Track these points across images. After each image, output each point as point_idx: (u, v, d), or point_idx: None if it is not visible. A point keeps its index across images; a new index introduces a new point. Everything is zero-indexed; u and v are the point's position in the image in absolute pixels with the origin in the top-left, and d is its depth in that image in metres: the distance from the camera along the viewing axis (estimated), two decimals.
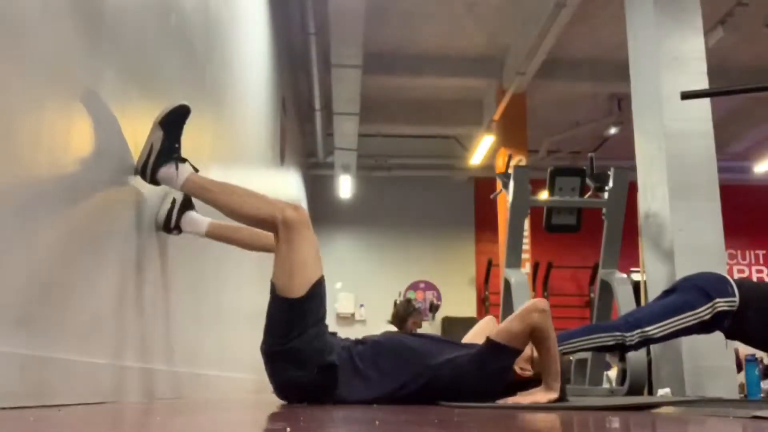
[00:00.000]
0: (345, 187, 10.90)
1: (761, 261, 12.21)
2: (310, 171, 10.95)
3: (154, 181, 1.97)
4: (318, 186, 11.44)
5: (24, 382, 1.28)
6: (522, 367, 2.27)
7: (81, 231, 1.58)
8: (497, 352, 2.18)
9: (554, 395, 2.15)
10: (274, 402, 2.18)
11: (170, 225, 2.20)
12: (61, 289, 1.46)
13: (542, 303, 2.18)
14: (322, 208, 11.52)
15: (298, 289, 2.05)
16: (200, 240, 2.42)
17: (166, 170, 1.96)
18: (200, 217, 2.27)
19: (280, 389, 2.17)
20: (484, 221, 11.20)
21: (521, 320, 2.15)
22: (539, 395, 2.17)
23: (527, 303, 2.21)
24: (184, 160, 2.01)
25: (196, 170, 2.06)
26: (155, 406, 1.74)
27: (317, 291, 2.09)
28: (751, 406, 2.66)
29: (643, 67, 4.89)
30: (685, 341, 4.21)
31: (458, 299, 11.70)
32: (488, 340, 2.21)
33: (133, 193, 1.96)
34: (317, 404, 2.05)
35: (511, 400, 2.18)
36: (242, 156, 4.19)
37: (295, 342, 2.04)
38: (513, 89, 8.40)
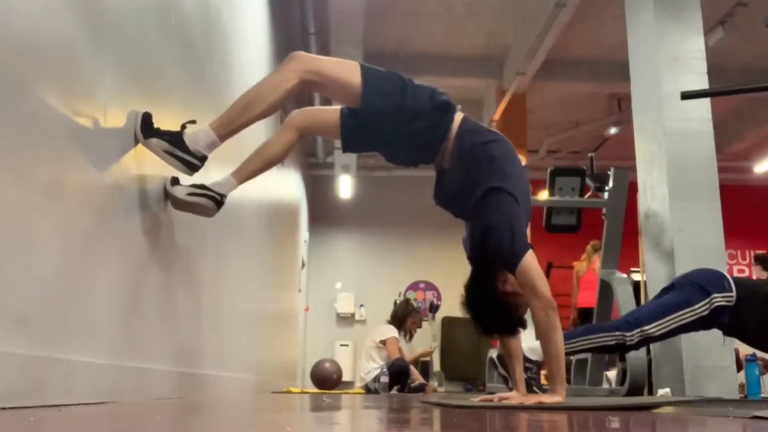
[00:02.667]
0: (345, 187, 10.89)
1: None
2: (310, 171, 10.95)
3: (203, 158, 2.06)
4: (318, 186, 11.44)
5: (24, 381, 1.28)
6: (505, 280, 2.25)
7: (81, 231, 1.58)
8: (517, 239, 2.20)
9: (559, 398, 2.16)
10: (274, 402, 2.17)
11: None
12: (60, 289, 1.46)
13: (552, 305, 2.19)
14: (322, 208, 11.52)
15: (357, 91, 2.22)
16: (201, 241, 2.42)
17: (191, 143, 2.02)
18: (225, 179, 2.19)
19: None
20: None
21: (535, 287, 2.19)
22: (544, 397, 2.18)
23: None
24: (182, 128, 2.04)
25: (193, 121, 2.11)
26: (155, 406, 1.74)
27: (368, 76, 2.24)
28: (751, 406, 2.66)
29: (643, 67, 4.89)
30: (685, 341, 4.21)
31: (458, 299, 11.67)
32: (529, 245, 2.24)
33: (134, 193, 1.96)
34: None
35: (516, 401, 2.19)
36: (242, 156, 4.18)
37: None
38: (513, 89, 8.40)
